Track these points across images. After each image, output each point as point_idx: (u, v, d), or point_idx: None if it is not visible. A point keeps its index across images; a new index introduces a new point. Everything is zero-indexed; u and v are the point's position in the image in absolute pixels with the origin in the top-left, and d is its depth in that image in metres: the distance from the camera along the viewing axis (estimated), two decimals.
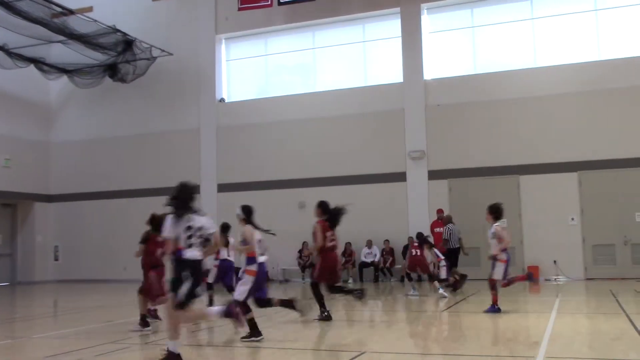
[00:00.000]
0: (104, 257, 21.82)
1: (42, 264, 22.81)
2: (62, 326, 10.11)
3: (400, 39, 19.63)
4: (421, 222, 17.69)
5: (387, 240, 18.74)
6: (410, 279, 15.02)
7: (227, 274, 11.95)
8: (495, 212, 10.91)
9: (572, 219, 17.50)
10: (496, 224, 10.87)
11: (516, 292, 15.16)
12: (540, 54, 18.67)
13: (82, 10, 18.30)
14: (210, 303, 11.56)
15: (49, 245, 23.12)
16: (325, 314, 10.15)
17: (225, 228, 12.19)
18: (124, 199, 22.23)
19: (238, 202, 20.98)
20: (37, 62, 20.81)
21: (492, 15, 19.17)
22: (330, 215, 10.63)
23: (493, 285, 10.81)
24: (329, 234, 10.28)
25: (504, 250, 10.83)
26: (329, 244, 10.23)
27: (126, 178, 22.40)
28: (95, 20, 18.86)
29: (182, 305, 6.69)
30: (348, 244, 18.99)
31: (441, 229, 16.65)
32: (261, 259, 8.59)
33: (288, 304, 8.84)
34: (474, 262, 18.32)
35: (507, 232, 11.02)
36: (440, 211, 17.23)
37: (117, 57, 20.80)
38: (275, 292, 15.75)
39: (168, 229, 6.95)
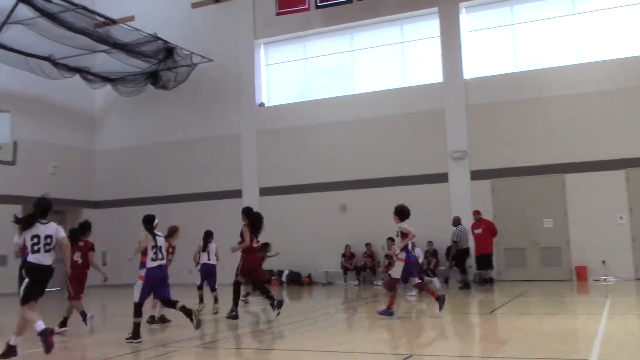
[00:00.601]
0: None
1: (91, 268, 23.19)
2: (112, 329, 10.31)
3: (439, 39, 19.49)
4: (464, 223, 17.49)
5: (430, 242, 18.59)
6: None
7: (210, 277, 12.89)
8: (401, 213, 10.82)
9: (621, 217, 17.06)
10: (401, 224, 10.70)
11: (564, 293, 14.89)
12: (583, 49, 18.29)
13: (124, 20, 18.71)
14: (201, 300, 12.72)
15: (97, 250, 23.44)
16: (234, 313, 11.01)
17: (207, 235, 13.27)
18: (167, 204, 22.53)
19: (280, 206, 21.29)
20: (82, 72, 21.34)
21: (532, 12, 18.86)
22: (251, 221, 11.40)
23: (392, 286, 10.63)
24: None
25: (404, 249, 10.61)
26: (254, 245, 11.10)
27: (168, 184, 22.74)
28: (137, 29, 19.22)
29: (20, 301, 7.76)
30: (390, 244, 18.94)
31: (480, 230, 16.57)
32: (154, 263, 9.18)
33: (187, 312, 9.02)
34: (519, 263, 18.10)
35: (412, 229, 10.70)
36: (476, 212, 17.06)
37: (159, 65, 21.18)
38: (323, 295, 15.77)
39: (16, 236, 8.17)
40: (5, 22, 16.13)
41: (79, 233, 10.92)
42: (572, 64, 18.15)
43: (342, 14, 20.37)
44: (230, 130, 21.90)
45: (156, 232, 9.52)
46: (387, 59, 20.66)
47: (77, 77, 21.45)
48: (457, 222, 16.88)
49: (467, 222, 17.24)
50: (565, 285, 16.31)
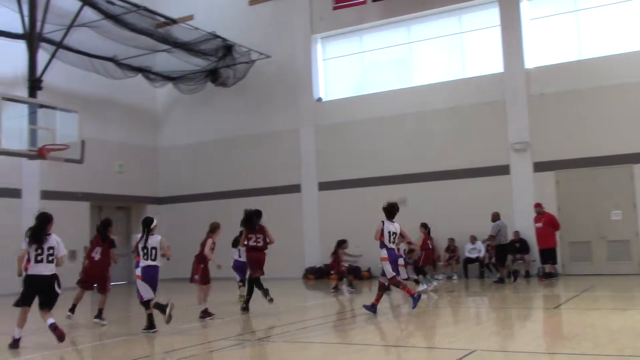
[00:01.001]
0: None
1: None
2: (175, 322, 10.54)
3: (499, 28, 19.07)
4: (526, 216, 17.11)
5: (492, 236, 18.23)
6: (425, 274, 15.57)
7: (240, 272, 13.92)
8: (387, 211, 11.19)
9: None
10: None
11: (633, 287, 14.38)
12: None
13: (184, 19, 19.07)
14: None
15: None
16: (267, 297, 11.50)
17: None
18: (227, 200, 22.91)
19: (339, 200, 21.35)
20: (144, 71, 21.89)
21: None
22: (244, 220, 11.88)
23: (397, 283, 10.79)
24: (251, 235, 11.68)
25: (383, 246, 10.71)
26: (251, 244, 11.66)
27: (229, 179, 23.09)
28: (197, 28, 19.57)
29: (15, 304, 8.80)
30: (451, 240, 18.71)
31: (541, 224, 16.25)
32: (146, 263, 9.70)
33: (160, 307, 9.69)
34: (585, 257, 17.59)
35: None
36: (537, 205, 16.65)
37: (218, 62, 21.52)
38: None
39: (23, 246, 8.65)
40: (71, 25, 16.70)
41: (106, 229, 11.32)
42: (638, 50, 17.45)
43: (398, 6, 20.18)
44: (289, 126, 22.04)
45: (152, 233, 9.86)
46: (445, 50, 20.37)
47: (140, 76, 22.03)
48: (496, 217, 16.71)
49: (530, 215, 16.85)
50: (634, 279, 15.74)
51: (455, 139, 19.26)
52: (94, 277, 11.23)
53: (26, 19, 15.64)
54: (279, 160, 22.07)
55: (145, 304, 9.66)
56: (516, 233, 17.91)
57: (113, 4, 17.15)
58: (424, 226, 16.51)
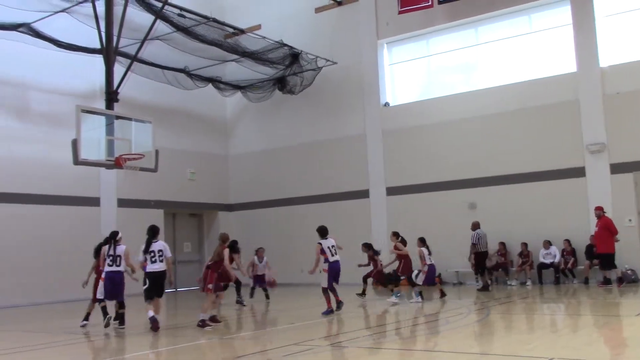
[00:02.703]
0: (282, 261, 22.72)
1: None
2: (249, 328, 10.74)
3: (571, 26, 18.51)
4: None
5: (567, 240, 17.69)
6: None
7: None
8: (321, 232, 12.61)
9: None
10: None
11: None
12: None
13: (252, 29, 19.40)
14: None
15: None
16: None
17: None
18: (296, 206, 23.14)
19: (408, 205, 21.20)
20: (214, 81, 22.45)
21: None
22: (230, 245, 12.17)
23: (325, 290, 12.36)
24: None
25: (326, 261, 12.33)
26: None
27: (297, 186, 23.31)
28: (264, 37, 19.89)
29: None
30: (524, 245, 18.25)
31: (597, 228, 16.07)
32: (110, 269, 11.08)
33: (104, 312, 11.22)
34: None
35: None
36: (598, 209, 16.25)
37: (285, 70, 21.81)
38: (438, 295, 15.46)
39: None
40: (145, 39, 17.26)
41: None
42: None
43: (465, 8, 19.88)
44: (356, 131, 22.07)
45: (119, 244, 11.22)
46: (513, 52, 19.91)
47: (210, 86, 22.61)
48: (476, 226, 17.40)
49: (612, 217, 16.25)
50: None
51: (526, 141, 18.80)
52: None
53: (103, 35, 16.29)
54: (347, 166, 22.11)
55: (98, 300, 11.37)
56: (567, 242, 17.66)
57: (184, 16, 17.66)
58: (368, 246, 16.27)
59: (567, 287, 16.72)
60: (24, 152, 18.57)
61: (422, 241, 14.98)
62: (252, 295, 16.44)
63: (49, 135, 18.93)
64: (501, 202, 18.94)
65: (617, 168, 17.42)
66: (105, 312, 11.15)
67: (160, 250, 10.81)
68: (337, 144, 22.46)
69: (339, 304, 12.47)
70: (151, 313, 10.69)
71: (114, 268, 11.03)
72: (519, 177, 18.75)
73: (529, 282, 17.85)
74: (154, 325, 10.58)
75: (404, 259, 14.61)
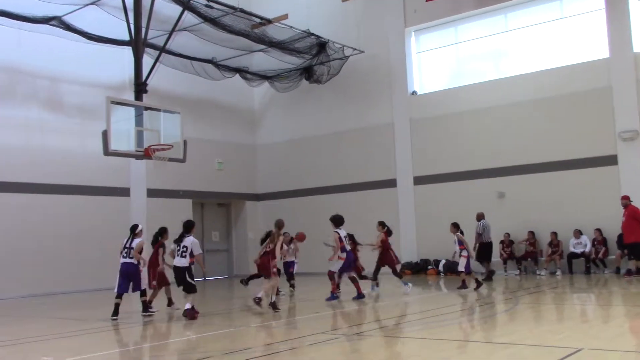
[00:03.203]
0: (309, 250, 22.81)
1: (255, 258, 24.46)
2: (275, 317, 10.81)
3: (604, 11, 18.13)
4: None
5: (598, 230, 17.43)
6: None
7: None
8: (336, 221, 12.99)
9: None
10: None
11: None
12: None
13: (279, 19, 19.35)
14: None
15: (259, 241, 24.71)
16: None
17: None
18: (323, 195, 23.16)
19: (435, 195, 21.08)
20: (242, 72, 22.54)
21: None
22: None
23: (331, 276, 12.90)
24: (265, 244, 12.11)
25: (344, 250, 12.73)
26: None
27: (325, 175, 23.32)
28: (291, 27, 19.87)
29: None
30: (553, 234, 18.03)
31: (624, 217, 15.90)
32: (123, 260, 11.42)
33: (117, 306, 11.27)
34: None
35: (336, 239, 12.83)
36: (624, 198, 16.08)
37: (312, 60, 21.78)
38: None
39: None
40: (173, 30, 17.40)
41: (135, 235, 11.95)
42: None
43: None
44: (384, 120, 21.97)
45: (137, 237, 11.54)
46: (545, 37, 19.60)
47: (237, 76, 22.70)
48: (480, 217, 17.67)
49: None
50: None
51: (557, 129, 18.53)
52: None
53: (132, 27, 16.45)
54: (375, 155, 22.05)
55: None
56: (597, 231, 17.43)
57: (211, 7, 17.72)
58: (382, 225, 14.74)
59: (598, 277, 16.49)
60: (56, 143, 18.90)
61: (456, 226, 14.61)
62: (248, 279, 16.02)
63: (80, 126, 19.25)
64: (530, 191, 18.73)
65: None
66: (116, 308, 11.28)
67: (185, 247, 10.88)
68: (365, 134, 22.39)
69: (360, 295, 12.78)
70: (188, 305, 10.90)
71: (127, 260, 11.40)
72: (549, 166, 18.51)
73: (558, 272, 17.66)
74: (188, 315, 10.80)
75: (386, 251, 14.24)
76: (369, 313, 11.44)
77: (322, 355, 7.41)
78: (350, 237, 14.35)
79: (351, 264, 13.10)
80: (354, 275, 13.18)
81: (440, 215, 19.59)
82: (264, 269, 11.79)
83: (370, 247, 14.34)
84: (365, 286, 13.86)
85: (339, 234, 12.81)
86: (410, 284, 14.23)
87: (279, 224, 11.99)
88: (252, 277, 15.13)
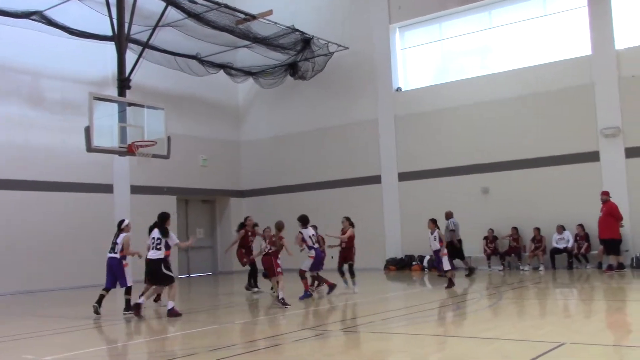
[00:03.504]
0: (294, 248, 22.82)
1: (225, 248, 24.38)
2: (261, 313, 10.81)
3: (586, 9, 18.27)
4: (619, 204, 16.34)
5: (580, 225, 17.59)
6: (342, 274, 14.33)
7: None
8: (302, 220, 12.99)
9: None
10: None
11: None
12: None
13: (263, 15, 19.27)
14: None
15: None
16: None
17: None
18: (307, 192, 23.15)
19: (420, 191, 21.14)
20: (226, 68, 22.43)
21: None
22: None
23: (302, 275, 12.86)
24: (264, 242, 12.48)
25: (311, 248, 12.77)
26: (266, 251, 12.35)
27: (310, 171, 23.31)
28: (276, 23, 19.80)
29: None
30: (536, 230, 18.16)
31: (601, 213, 16.10)
32: (109, 255, 11.47)
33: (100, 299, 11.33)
34: None
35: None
36: (604, 193, 16.25)
37: (297, 56, 21.74)
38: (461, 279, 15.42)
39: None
40: (156, 26, 17.27)
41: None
42: None
43: None
44: (368, 117, 21.99)
45: (123, 232, 11.53)
46: (528, 35, 19.71)
47: (222, 72, 22.59)
48: (449, 215, 17.91)
49: (623, 205, 16.15)
50: None
51: (540, 125, 18.66)
52: None
53: (114, 22, 16.30)
54: (359, 151, 22.07)
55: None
56: (580, 227, 17.62)
57: (195, 2, 17.61)
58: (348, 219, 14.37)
59: (581, 272, 16.65)
60: (39, 139, 18.70)
61: (434, 222, 14.19)
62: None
63: (63, 122, 19.06)
64: (514, 187, 18.86)
65: (632, 152, 17.28)
66: (100, 298, 11.32)
67: (159, 239, 10.77)
68: (349, 130, 22.40)
69: (332, 287, 13.19)
70: (170, 304, 10.78)
71: (112, 254, 11.44)
72: (532, 162, 18.64)
73: (541, 267, 17.80)
74: (135, 310, 10.87)
75: (351, 248, 14.05)
76: (353, 309, 11.46)
77: (307, 351, 7.42)
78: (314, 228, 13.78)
79: (321, 262, 13.27)
80: (318, 274, 13.42)
81: (424, 211, 19.55)
82: (268, 269, 12.24)
83: (338, 239, 14.11)
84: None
85: (302, 234, 12.85)
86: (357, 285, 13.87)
87: (279, 226, 12.34)
88: (250, 278, 15.18)
